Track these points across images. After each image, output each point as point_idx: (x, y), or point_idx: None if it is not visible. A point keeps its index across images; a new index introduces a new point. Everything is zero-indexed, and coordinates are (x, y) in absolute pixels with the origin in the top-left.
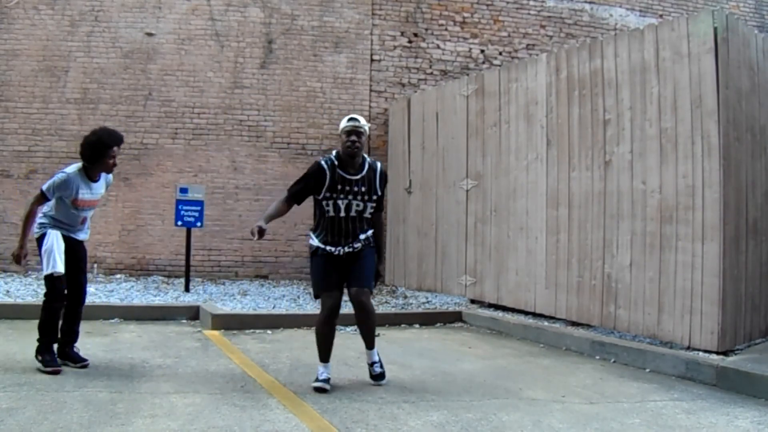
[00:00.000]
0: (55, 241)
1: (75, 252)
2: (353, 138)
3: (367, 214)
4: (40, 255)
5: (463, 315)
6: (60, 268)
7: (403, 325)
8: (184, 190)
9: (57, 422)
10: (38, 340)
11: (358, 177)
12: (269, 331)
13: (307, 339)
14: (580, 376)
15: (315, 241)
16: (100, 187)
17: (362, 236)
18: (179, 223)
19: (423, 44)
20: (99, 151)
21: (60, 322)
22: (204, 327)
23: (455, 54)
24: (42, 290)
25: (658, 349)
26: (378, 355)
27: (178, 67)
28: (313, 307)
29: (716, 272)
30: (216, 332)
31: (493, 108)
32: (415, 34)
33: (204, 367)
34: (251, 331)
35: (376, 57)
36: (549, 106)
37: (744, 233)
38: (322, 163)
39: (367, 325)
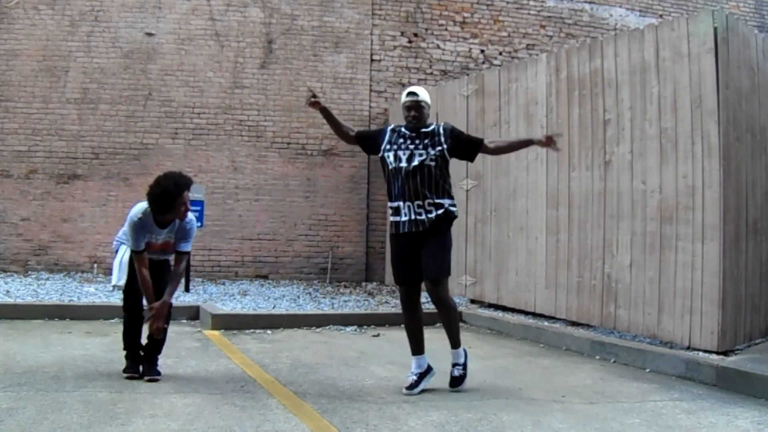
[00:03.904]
0: (123, 254)
1: (159, 269)
2: (413, 113)
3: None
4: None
5: (463, 315)
6: (116, 281)
7: (403, 325)
8: None
9: (57, 422)
10: (125, 346)
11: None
12: (269, 331)
13: (307, 339)
14: (580, 376)
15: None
16: (169, 233)
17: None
18: None
19: (423, 44)
20: (168, 202)
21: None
22: (204, 327)
23: (455, 54)
24: (41, 291)
25: (658, 349)
26: (463, 356)
27: (178, 67)
28: (313, 307)
29: (716, 272)
30: (216, 332)
31: (493, 108)
32: (415, 34)
33: (204, 367)
34: (251, 331)
35: (376, 57)
36: (549, 106)
37: (744, 233)
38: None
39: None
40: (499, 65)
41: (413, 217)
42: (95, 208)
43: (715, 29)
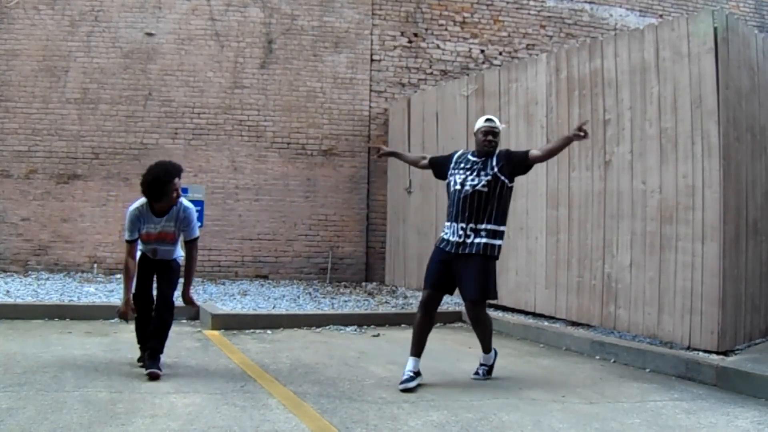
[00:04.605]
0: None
1: (163, 269)
2: (489, 138)
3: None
4: None
5: (463, 315)
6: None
7: (403, 325)
8: (184, 190)
9: (57, 422)
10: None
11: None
12: (269, 331)
13: (307, 339)
14: (580, 376)
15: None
16: (168, 222)
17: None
18: None
19: (423, 44)
20: (159, 188)
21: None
22: (204, 327)
23: (455, 54)
24: (41, 291)
25: (658, 349)
26: (492, 358)
27: (178, 67)
28: (313, 307)
29: (716, 272)
30: (216, 332)
31: (493, 108)
32: (415, 34)
33: (204, 367)
34: (251, 331)
35: (376, 57)
36: (549, 106)
37: (744, 233)
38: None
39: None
40: (499, 65)
41: (454, 238)
42: (95, 208)
43: (715, 29)
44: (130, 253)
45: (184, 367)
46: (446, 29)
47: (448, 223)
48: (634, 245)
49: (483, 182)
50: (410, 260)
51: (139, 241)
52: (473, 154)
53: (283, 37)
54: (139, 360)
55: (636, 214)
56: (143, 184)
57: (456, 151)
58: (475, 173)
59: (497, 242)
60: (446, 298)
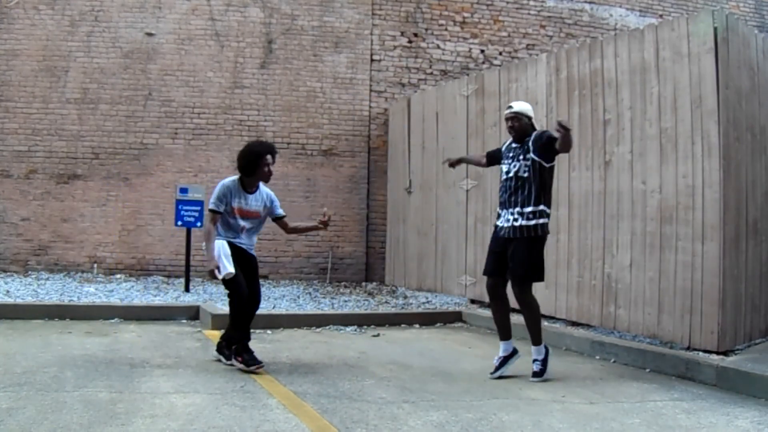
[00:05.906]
0: (221, 247)
1: (247, 260)
2: (510, 123)
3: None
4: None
5: (463, 315)
6: (230, 269)
7: (403, 325)
8: (184, 190)
9: (57, 422)
10: (236, 340)
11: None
12: (269, 331)
13: (307, 339)
14: (580, 376)
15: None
16: (256, 200)
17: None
18: (179, 223)
19: (423, 44)
20: (252, 161)
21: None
22: (204, 327)
23: (455, 54)
24: (41, 291)
25: (658, 349)
26: (543, 353)
27: (178, 67)
28: (313, 307)
29: (716, 272)
30: (216, 332)
31: (493, 108)
32: (415, 34)
33: (204, 367)
34: (251, 331)
35: (376, 57)
36: (549, 106)
37: (744, 233)
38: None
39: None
40: (499, 65)
41: (506, 224)
42: (95, 208)
43: (715, 29)
44: (212, 221)
45: (184, 367)
46: (446, 29)
47: (499, 210)
48: (634, 245)
49: (523, 166)
50: (410, 260)
51: (229, 218)
52: (513, 140)
53: (283, 37)
54: (249, 363)
55: (636, 214)
56: (239, 156)
57: (506, 142)
58: (515, 159)
59: (539, 221)
60: (448, 298)
